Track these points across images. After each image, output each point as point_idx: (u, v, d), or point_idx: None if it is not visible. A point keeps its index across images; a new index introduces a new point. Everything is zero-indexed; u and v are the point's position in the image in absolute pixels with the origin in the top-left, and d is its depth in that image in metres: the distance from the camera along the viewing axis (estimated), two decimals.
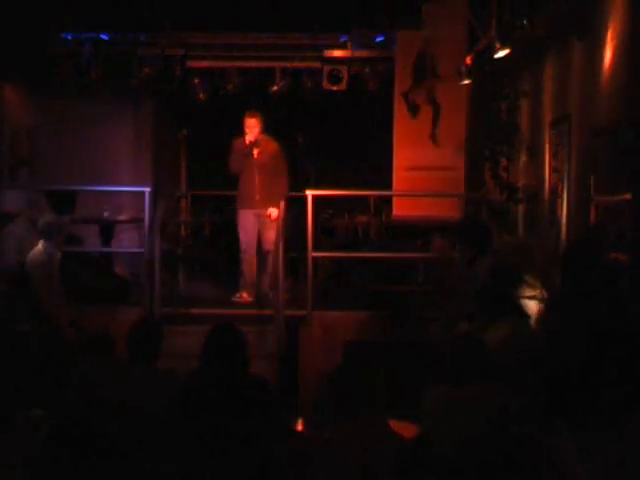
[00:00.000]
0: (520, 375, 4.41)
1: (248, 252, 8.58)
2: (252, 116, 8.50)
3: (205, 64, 11.10)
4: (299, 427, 5.28)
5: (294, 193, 9.03)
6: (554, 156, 7.23)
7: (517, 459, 3.48)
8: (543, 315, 5.03)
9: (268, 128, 8.74)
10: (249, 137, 8.46)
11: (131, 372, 4.66)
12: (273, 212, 8.39)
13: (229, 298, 8.63)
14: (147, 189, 8.47)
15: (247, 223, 8.58)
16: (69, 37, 10.59)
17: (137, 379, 4.59)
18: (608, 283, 4.66)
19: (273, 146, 8.60)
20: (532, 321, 5.28)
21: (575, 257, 4.92)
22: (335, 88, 10.90)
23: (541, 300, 5.47)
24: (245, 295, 8.57)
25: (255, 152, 8.53)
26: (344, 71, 10.87)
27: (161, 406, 4.30)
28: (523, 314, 5.13)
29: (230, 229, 9.21)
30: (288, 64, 10.99)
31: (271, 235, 8.43)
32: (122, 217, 9.83)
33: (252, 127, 8.46)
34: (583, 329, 4.04)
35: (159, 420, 4.18)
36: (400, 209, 9.97)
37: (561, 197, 6.91)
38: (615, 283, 4.80)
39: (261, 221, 8.56)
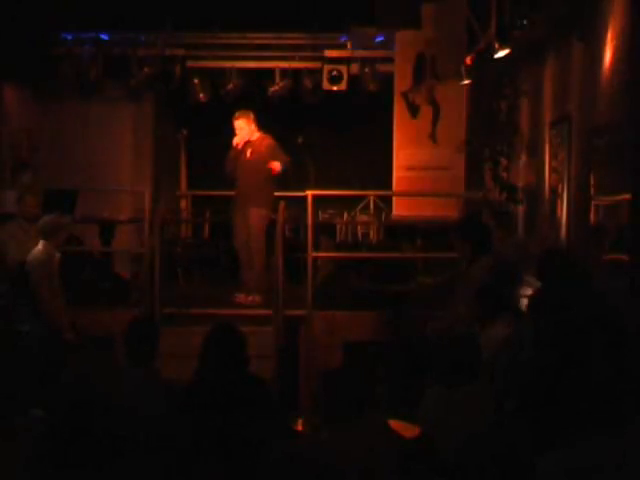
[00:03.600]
0: (517, 375, 4.41)
1: (242, 252, 8.56)
2: (237, 118, 8.42)
3: (205, 64, 11.10)
4: (299, 427, 5.28)
5: (294, 193, 9.03)
6: (554, 156, 7.23)
7: (515, 458, 3.48)
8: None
9: (268, 128, 8.73)
10: (236, 139, 8.41)
11: (129, 372, 4.66)
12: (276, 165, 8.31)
13: (229, 298, 8.63)
14: (147, 189, 8.47)
15: (239, 223, 8.54)
16: (69, 37, 10.60)
17: (134, 379, 4.59)
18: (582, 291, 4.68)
19: (266, 144, 8.45)
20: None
21: (549, 267, 4.97)
22: (335, 88, 10.90)
23: None
24: (244, 295, 8.54)
25: (248, 153, 8.43)
26: (344, 71, 10.87)
27: (159, 406, 4.30)
28: (521, 314, 5.13)
29: (230, 229, 9.22)
30: (288, 64, 10.99)
31: (255, 234, 8.36)
32: (122, 217, 9.84)
33: (239, 129, 8.40)
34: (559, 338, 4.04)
35: (157, 420, 4.17)
36: (400, 209, 9.98)
37: (561, 197, 6.91)
38: (589, 290, 4.80)
39: (249, 221, 8.46)
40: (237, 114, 8.47)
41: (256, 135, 8.48)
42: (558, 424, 2.77)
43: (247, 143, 8.44)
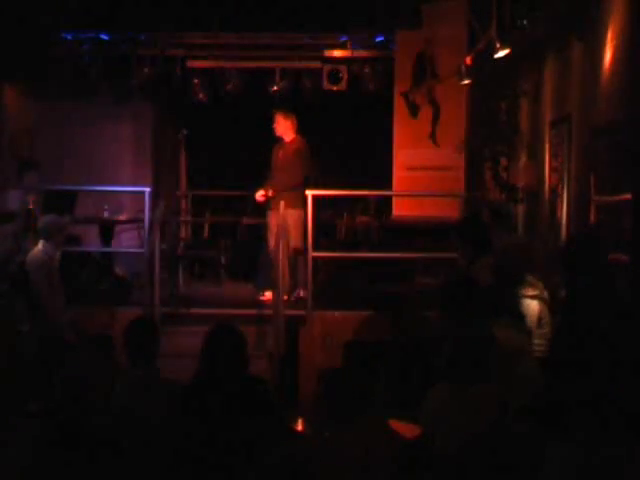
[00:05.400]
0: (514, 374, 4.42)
1: (276, 252, 8.47)
2: (275, 112, 8.58)
3: (205, 64, 11.10)
4: (299, 427, 5.28)
5: None
6: (554, 156, 7.23)
7: (517, 459, 3.48)
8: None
9: (268, 128, 8.73)
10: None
11: (129, 372, 4.66)
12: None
13: (229, 298, 8.63)
14: (147, 189, 8.46)
15: (274, 223, 8.47)
16: (69, 37, 10.60)
17: (135, 379, 4.58)
18: (607, 283, 4.65)
19: (294, 148, 8.51)
20: (531, 321, 5.27)
21: (575, 255, 4.90)
22: (335, 88, 10.91)
23: (542, 300, 5.47)
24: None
25: (280, 154, 8.55)
26: (344, 71, 10.88)
27: (159, 406, 4.30)
28: (520, 314, 5.12)
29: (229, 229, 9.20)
30: (288, 64, 10.99)
31: (294, 233, 8.39)
32: (122, 217, 9.83)
33: (275, 123, 8.53)
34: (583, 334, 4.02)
35: (156, 420, 4.17)
36: (400, 209, 9.98)
37: (561, 197, 6.91)
38: (613, 283, 4.79)
39: (286, 222, 8.37)
40: (278, 109, 8.61)
41: (291, 137, 8.54)
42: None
43: (282, 145, 8.53)
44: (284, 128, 8.53)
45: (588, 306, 4.36)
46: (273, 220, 8.52)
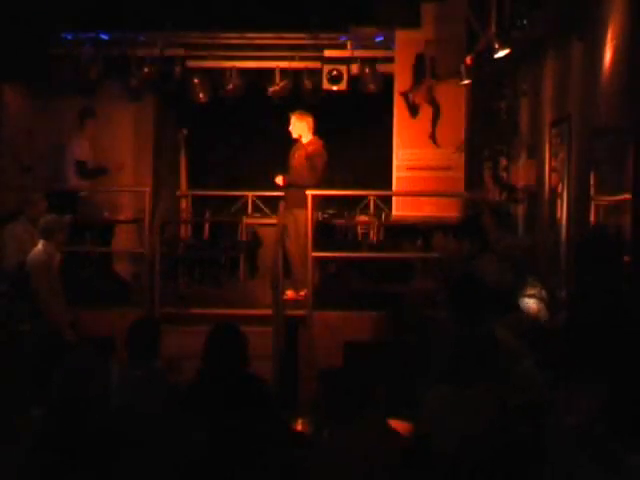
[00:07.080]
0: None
1: (291, 251, 8.51)
2: (292, 114, 8.54)
3: (205, 64, 11.10)
4: (299, 427, 5.28)
5: None
6: (554, 156, 7.23)
7: (517, 459, 3.48)
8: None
9: (268, 129, 8.74)
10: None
11: (130, 372, 4.66)
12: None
13: (229, 298, 8.62)
14: (147, 189, 8.47)
15: (289, 223, 8.47)
16: (69, 37, 10.60)
17: (136, 379, 4.59)
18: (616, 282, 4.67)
19: (309, 150, 8.49)
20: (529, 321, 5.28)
21: (587, 253, 4.92)
22: (335, 88, 10.90)
23: (541, 299, 5.47)
24: (293, 291, 8.48)
25: (296, 155, 8.52)
26: (344, 71, 10.87)
27: (158, 405, 4.30)
28: (520, 314, 5.13)
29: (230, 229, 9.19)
30: (288, 64, 10.99)
31: (303, 233, 8.33)
32: (122, 217, 9.83)
33: (291, 124, 8.51)
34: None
35: (159, 419, 4.17)
36: (400, 209, 9.99)
37: (561, 197, 6.91)
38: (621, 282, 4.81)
39: (297, 222, 8.43)
40: (293, 111, 8.58)
41: (308, 139, 8.52)
42: None
43: (299, 146, 8.50)
44: (299, 129, 8.50)
45: (596, 304, 4.37)
46: (288, 220, 8.48)
